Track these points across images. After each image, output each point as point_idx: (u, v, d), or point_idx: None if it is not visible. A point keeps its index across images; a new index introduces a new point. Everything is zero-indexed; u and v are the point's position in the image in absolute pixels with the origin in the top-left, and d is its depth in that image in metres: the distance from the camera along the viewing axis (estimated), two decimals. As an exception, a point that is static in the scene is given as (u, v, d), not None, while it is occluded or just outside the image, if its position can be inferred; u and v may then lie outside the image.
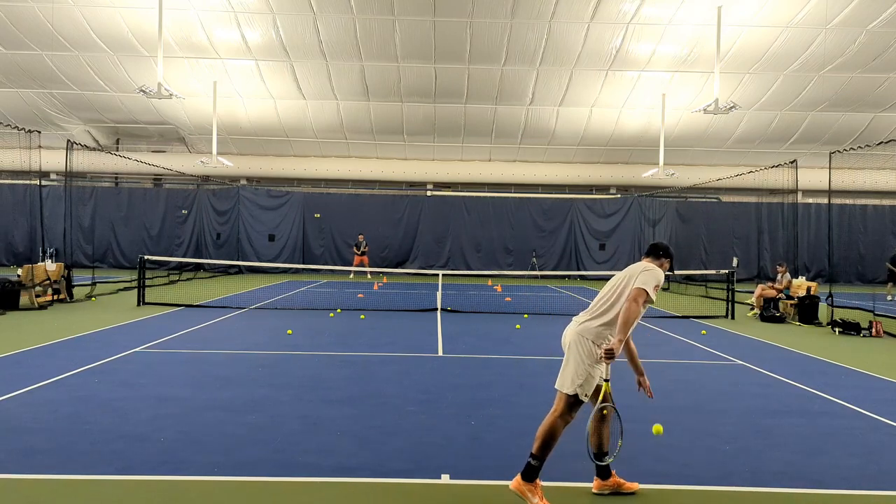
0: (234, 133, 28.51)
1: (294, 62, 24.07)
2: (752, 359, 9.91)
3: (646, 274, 4.51)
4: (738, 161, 29.39)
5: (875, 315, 13.49)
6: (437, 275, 18.11)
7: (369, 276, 27.23)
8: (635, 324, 4.46)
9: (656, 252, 4.89)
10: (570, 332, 4.63)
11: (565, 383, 4.49)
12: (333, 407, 6.65)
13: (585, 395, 4.46)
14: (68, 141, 17.46)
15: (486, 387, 7.71)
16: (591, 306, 4.68)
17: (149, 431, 5.66)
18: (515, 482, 4.37)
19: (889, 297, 19.27)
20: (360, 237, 27.29)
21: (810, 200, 29.38)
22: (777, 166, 18.90)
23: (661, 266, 4.77)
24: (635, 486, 4.62)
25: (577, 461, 5.15)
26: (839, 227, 27.39)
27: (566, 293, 21.97)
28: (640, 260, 4.87)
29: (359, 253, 26.89)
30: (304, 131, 28.40)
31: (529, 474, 4.35)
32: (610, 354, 4.31)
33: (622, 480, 4.61)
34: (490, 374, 8.49)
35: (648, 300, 4.46)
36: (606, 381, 4.47)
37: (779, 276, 16.33)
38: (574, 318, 4.72)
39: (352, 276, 27.71)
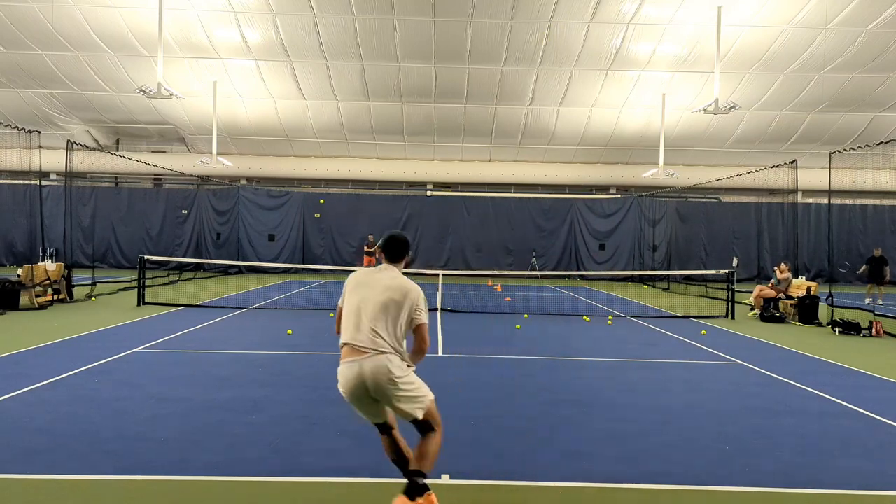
0: (234, 133, 28.52)
1: (294, 62, 24.07)
2: (752, 359, 9.91)
3: (420, 301, 4.12)
4: (738, 161, 29.40)
5: (875, 315, 13.49)
6: (438, 275, 18.11)
7: None
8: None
9: (402, 252, 4.33)
10: (372, 370, 4.02)
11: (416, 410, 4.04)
12: (333, 407, 6.64)
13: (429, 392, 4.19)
14: (68, 141, 17.46)
15: (486, 387, 7.71)
16: (364, 327, 4.12)
17: (149, 431, 5.66)
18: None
19: (868, 300, 19.29)
20: (371, 238, 26.51)
21: (810, 200, 29.39)
22: (777, 166, 18.90)
23: (405, 264, 4.36)
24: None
25: (579, 460, 5.15)
26: (839, 227, 27.40)
27: (566, 293, 21.96)
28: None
29: (368, 253, 26.14)
30: (304, 131, 28.40)
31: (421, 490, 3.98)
32: None
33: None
34: (490, 374, 8.49)
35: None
36: None
37: (777, 274, 16.36)
38: (361, 352, 4.11)
39: None
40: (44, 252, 16.83)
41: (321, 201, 29.15)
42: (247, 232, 28.89)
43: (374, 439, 5.59)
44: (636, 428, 6.07)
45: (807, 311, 14.83)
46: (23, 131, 16.35)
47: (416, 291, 4.12)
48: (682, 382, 8.25)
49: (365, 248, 26.78)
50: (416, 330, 4.15)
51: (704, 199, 29.93)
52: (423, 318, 4.15)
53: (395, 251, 4.32)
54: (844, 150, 15.46)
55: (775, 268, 16.98)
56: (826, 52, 22.35)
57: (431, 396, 4.14)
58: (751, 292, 17.32)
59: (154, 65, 21.75)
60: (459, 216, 29.75)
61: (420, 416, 4.05)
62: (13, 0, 21.06)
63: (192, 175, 27.78)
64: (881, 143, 16.10)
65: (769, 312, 15.27)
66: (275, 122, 27.69)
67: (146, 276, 16.43)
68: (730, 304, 15.62)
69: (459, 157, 30.09)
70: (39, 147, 17.58)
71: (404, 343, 4.14)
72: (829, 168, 15.54)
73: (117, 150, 28.77)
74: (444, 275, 18.35)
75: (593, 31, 22.08)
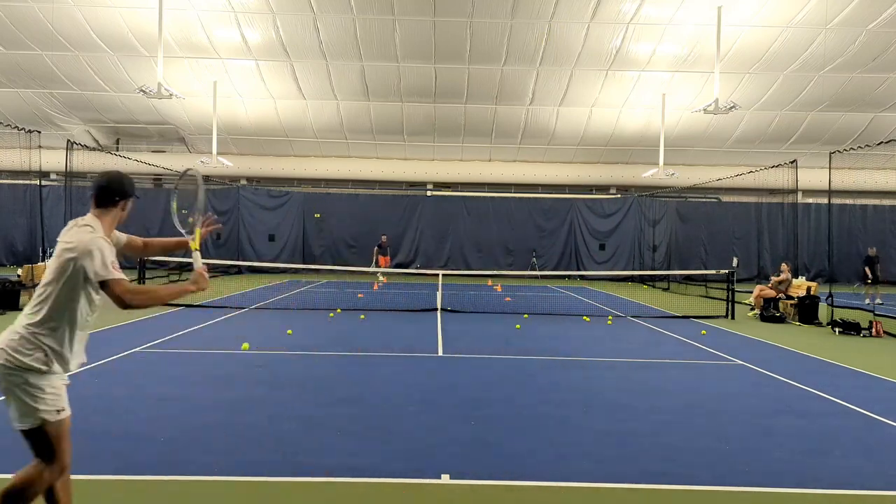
0: (234, 133, 28.52)
1: (294, 62, 24.07)
2: (752, 359, 9.91)
3: (89, 250, 3.12)
4: (738, 161, 29.39)
5: (875, 315, 13.49)
6: (438, 275, 18.11)
7: (377, 275, 26.84)
8: (144, 297, 3.31)
9: (111, 193, 3.37)
10: None
11: (23, 418, 3.18)
12: (333, 407, 6.65)
13: (60, 412, 3.27)
14: (68, 141, 17.47)
15: (486, 387, 7.71)
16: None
17: (149, 431, 5.65)
18: None
19: (868, 301, 19.28)
20: (384, 238, 25.69)
21: (810, 200, 29.38)
22: (777, 166, 18.89)
23: (118, 215, 3.42)
24: None
25: (579, 460, 5.16)
26: (839, 227, 27.39)
27: (566, 293, 21.96)
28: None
29: (382, 254, 25.79)
30: (304, 131, 28.41)
31: None
32: None
33: None
34: (490, 374, 8.49)
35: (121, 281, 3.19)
36: None
37: (773, 279, 16.37)
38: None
39: (384, 278, 25.89)
40: (44, 252, 16.82)
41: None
42: (247, 232, 28.89)
43: (375, 439, 5.61)
44: (636, 428, 6.07)
45: (807, 311, 14.83)
46: (23, 131, 16.35)
47: (84, 243, 3.13)
48: (682, 382, 8.25)
49: (377, 249, 26.50)
50: (103, 290, 3.19)
51: (704, 199, 29.93)
52: (97, 269, 3.11)
53: (101, 193, 3.35)
54: (844, 150, 15.46)
55: (773, 277, 17.00)
56: (826, 52, 22.35)
57: (56, 417, 3.21)
58: (751, 292, 17.32)
59: (154, 65, 21.74)
60: (459, 216, 29.75)
61: (23, 427, 3.18)
62: (13, 0, 21.06)
63: (192, 175, 27.74)
64: (881, 143, 16.09)
65: (769, 312, 15.28)
66: (275, 122, 27.69)
67: (146, 276, 16.43)
68: (730, 304, 15.62)
69: (459, 157, 30.09)
70: (39, 147, 17.57)
71: (70, 326, 3.23)
72: (829, 168, 15.54)
73: (117, 150, 28.76)
74: (444, 275, 18.34)
75: (593, 31, 22.08)
